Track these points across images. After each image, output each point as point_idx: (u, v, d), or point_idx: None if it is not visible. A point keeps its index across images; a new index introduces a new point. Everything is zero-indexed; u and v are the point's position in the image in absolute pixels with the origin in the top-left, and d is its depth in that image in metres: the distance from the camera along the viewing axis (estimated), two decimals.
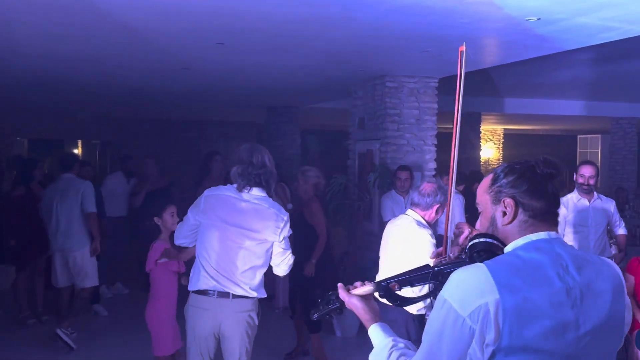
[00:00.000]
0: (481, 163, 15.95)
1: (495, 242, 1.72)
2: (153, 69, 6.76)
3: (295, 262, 5.52)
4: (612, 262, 1.75)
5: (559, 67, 7.60)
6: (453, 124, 2.29)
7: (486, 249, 1.72)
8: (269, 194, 3.57)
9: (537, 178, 1.69)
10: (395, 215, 6.40)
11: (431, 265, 1.95)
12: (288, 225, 3.59)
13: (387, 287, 1.87)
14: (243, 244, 3.47)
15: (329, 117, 13.06)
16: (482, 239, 1.74)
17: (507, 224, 1.68)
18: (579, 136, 16.72)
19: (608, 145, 14.57)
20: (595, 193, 5.36)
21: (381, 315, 1.89)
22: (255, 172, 3.48)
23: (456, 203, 6.44)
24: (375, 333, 1.82)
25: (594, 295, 1.61)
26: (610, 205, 5.44)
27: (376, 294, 1.91)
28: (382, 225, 6.63)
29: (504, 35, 4.96)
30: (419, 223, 3.87)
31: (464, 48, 2.12)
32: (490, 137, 18.05)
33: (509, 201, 1.68)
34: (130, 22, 4.55)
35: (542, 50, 5.48)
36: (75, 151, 16.97)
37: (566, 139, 18.72)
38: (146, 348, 4.07)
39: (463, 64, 2.12)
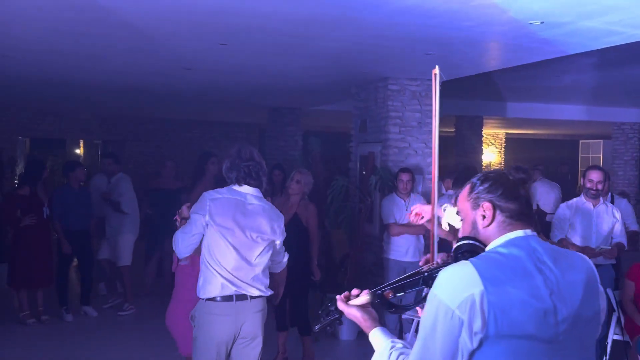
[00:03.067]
0: (483, 167, 15.94)
1: (477, 243, 1.87)
2: (156, 68, 6.75)
3: (294, 269, 5.52)
4: (584, 256, 1.91)
5: (562, 71, 7.59)
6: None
7: (470, 250, 1.86)
8: (261, 189, 3.62)
9: (510, 183, 1.88)
10: (396, 218, 6.40)
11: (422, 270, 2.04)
12: (282, 224, 3.72)
13: (381, 296, 1.95)
14: (257, 246, 3.54)
15: (331, 119, 13.06)
16: (465, 241, 1.89)
17: (487, 226, 1.85)
18: (580, 141, 16.72)
19: (610, 150, 14.56)
20: (601, 198, 5.37)
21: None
22: (243, 164, 3.52)
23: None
24: (375, 337, 1.93)
25: (569, 285, 1.76)
26: (617, 212, 5.42)
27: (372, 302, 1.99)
28: (383, 228, 6.63)
29: (508, 39, 4.95)
30: None
31: (437, 71, 2.20)
32: (492, 141, 18.04)
33: (487, 205, 1.85)
34: (133, 22, 4.54)
35: (546, 54, 5.47)
36: (77, 151, 16.99)
37: (568, 143, 18.71)
38: (144, 349, 4.06)
39: (437, 87, 2.20)
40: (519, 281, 1.70)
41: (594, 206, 5.32)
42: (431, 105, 8.14)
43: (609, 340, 5.32)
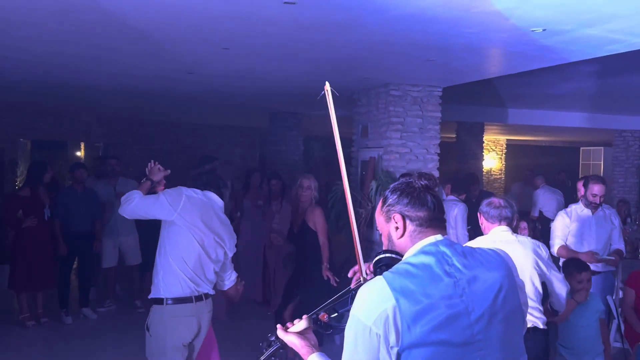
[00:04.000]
0: (483, 173, 15.94)
1: (395, 256, 1.91)
2: (158, 72, 6.77)
3: (299, 268, 5.52)
4: (501, 251, 1.94)
5: (563, 78, 7.60)
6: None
7: (387, 263, 1.89)
8: (222, 197, 3.81)
9: (416, 191, 1.90)
10: None
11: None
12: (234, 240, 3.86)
13: (317, 319, 2.00)
14: (216, 250, 3.67)
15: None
16: (384, 255, 1.93)
17: (400, 237, 1.90)
18: (581, 148, 16.71)
19: (610, 157, 14.56)
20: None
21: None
22: (205, 175, 3.86)
23: (458, 212, 6.41)
24: None
25: (481, 283, 1.79)
26: (615, 219, 5.45)
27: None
28: None
29: (509, 46, 4.96)
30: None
31: (327, 87, 2.21)
32: (493, 148, 18.04)
33: (397, 216, 1.89)
34: (136, 25, 4.56)
35: (547, 61, 5.48)
36: (78, 153, 17.00)
37: (569, 150, 18.71)
38: (143, 352, 4.06)
39: (330, 101, 2.22)
40: (429, 288, 1.72)
41: (593, 213, 5.33)
42: (433, 111, 8.14)
43: None
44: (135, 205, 3.55)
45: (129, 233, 7.44)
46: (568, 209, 5.46)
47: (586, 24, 4.10)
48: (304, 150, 12.17)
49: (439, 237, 1.86)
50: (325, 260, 5.37)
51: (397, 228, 1.89)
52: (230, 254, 3.81)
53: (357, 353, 1.71)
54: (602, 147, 15.67)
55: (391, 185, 1.98)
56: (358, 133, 7.81)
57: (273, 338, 2.05)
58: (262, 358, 2.09)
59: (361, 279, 2.15)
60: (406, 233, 1.88)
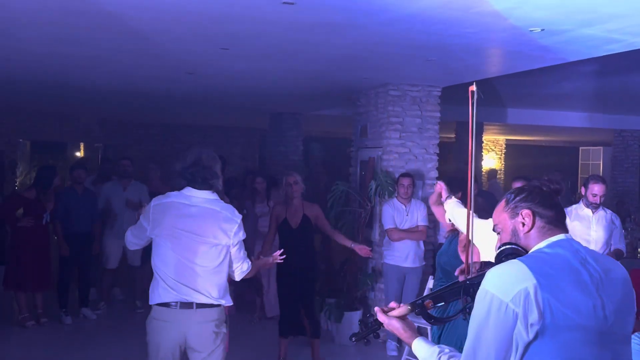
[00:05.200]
0: (483, 173, 15.94)
1: (518, 247, 1.93)
2: (158, 73, 6.77)
3: (302, 267, 5.50)
4: (616, 260, 2.03)
5: (563, 78, 7.61)
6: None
7: (512, 253, 1.91)
8: (213, 191, 3.51)
9: (545, 193, 1.98)
10: (396, 224, 6.40)
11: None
12: (242, 228, 3.53)
13: (422, 305, 1.99)
14: (198, 250, 3.39)
15: (332, 124, 13.08)
16: (508, 246, 1.94)
17: (528, 232, 1.92)
18: (581, 148, 16.72)
19: (610, 157, 14.57)
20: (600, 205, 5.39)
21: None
22: (188, 170, 3.45)
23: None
24: (420, 346, 1.98)
25: (610, 282, 1.85)
26: (616, 219, 5.45)
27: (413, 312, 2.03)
28: (383, 233, 6.64)
29: (508, 46, 4.97)
30: None
31: (474, 88, 2.21)
32: (493, 147, 18.06)
33: (526, 212, 1.93)
34: (136, 26, 4.56)
35: (546, 61, 5.49)
36: (78, 154, 17.00)
37: (568, 150, 18.71)
38: (143, 352, 4.06)
39: (474, 103, 2.22)
40: (568, 277, 1.77)
41: (593, 213, 5.34)
42: (432, 111, 8.15)
43: None
44: (129, 242, 3.63)
45: None
46: (568, 209, 5.47)
47: (585, 23, 4.11)
48: (304, 150, 12.17)
49: (568, 235, 1.92)
50: (347, 242, 5.54)
51: (524, 224, 1.93)
52: (234, 243, 3.48)
53: (487, 327, 1.72)
54: (601, 147, 15.68)
55: (511, 190, 2.05)
56: (357, 133, 7.82)
57: (372, 320, 2.05)
58: (357, 338, 2.09)
59: (470, 275, 2.17)
60: (534, 228, 1.92)
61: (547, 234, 1.91)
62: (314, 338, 5.60)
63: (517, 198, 1.97)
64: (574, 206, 5.47)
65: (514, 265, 1.78)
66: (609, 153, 14.82)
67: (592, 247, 5.27)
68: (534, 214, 1.92)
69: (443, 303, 2.01)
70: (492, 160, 17.86)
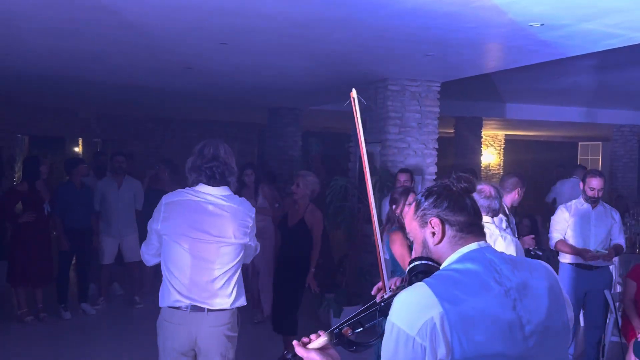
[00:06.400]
0: (482, 168, 15.94)
1: (431, 263, 1.76)
2: (156, 67, 6.76)
3: (291, 268, 5.42)
4: (544, 263, 1.81)
5: (562, 73, 7.60)
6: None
7: (424, 270, 1.76)
8: (230, 188, 3.32)
9: (455, 194, 1.78)
10: None
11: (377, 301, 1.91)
12: (254, 221, 3.38)
13: (339, 334, 1.82)
14: (218, 252, 3.19)
15: (331, 119, 13.07)
16: (419, 262, 1.78)
17: (438, 243, 1.75)
18: (579, 143, 16.73)
19: (609, 152, 14.57)
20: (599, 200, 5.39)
21: None
22: (206, 166, 3.21)
23: None
24: None
25: (531, 294, 1.66)
26: (615, 214, 5.45)
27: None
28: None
29: (508, 40, 4.96)
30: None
31: (354, 94, 2.06)
32: (491, 142, 18.04)
33: (435, 221, 1.75)
34: (134, 20, 4.55)
35: (545, 56, 5.48)
36: (76, 149, 16.99)
37: (567, 145, 18.71)
38: (142, 347, 4.08)
39: (357, 109, 2.05)
40: (479, 297, 1.59)
41: (593, 207, 5.34)
42: (431, 106, 8.15)
43: (606, 342, 5.34)
44: (147, 260, 3.39)
45: (131, 232, 7.39)
46: (568, 204, 5.48)
47: (584, 18, 4.11)
48: (302, 145, 12.16)
49: (482, 243, 1.73)
50: (312, 264, 5.35)
51: (434, 234, 1.75)
52: (251, 237, 3.32)
53: None
54: (600, 142, 15.68)
55: (425, 189, 1.86)
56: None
57: (290, 356, 1.87)
58: None
59: (387, 292, 2.02)
60: (445, 239, 1.74)
61: (458, 244, 1.73)
62: (287, 335, 5.40)
63: (426, 203, 1.78)
64: (574, 201, 5.47)
65: (418, 291, 1.60)
66: (608, 148, 14.82)
67: (591, 241, 5.28)
68: (443, 223, 1.74)
69: (361, 328, 1.84)
70: (491, 155, 17.85)
